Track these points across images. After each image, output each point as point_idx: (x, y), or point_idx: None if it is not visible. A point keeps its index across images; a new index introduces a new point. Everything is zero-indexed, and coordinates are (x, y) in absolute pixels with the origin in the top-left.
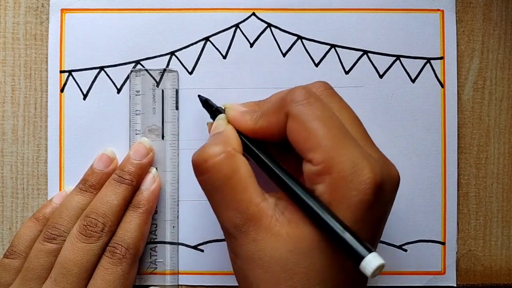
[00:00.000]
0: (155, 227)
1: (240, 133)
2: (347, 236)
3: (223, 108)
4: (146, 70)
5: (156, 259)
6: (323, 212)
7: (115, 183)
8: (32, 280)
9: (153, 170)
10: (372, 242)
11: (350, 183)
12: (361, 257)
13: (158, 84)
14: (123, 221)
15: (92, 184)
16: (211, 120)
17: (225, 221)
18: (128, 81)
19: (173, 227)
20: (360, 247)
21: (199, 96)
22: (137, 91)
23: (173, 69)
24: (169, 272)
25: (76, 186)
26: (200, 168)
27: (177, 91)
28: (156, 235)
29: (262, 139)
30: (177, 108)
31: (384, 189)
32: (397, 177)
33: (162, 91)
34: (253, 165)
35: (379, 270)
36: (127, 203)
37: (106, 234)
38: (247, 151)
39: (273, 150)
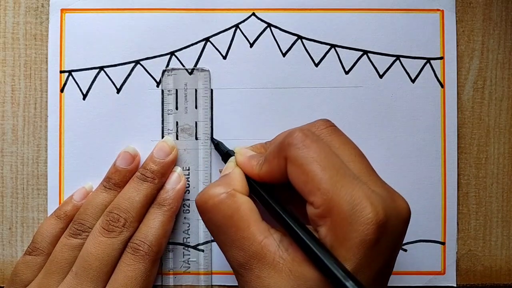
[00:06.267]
0: (188, 227)
1: (247, 176)
2: (350, 284)
3: (233, 151)
4: (181, 68)
5: (189, 258)
6: (326, 257)
7: (137, 180)
8: (55, 273)
9: (178, 169)
10: (380, 276)
11: (350, 225)
12: None
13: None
14: (146, 218)
15: (116, 182)
16: (223, 165)
17: (230, 259)
18: (128, 80)
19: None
20: None
21: (211, 139)
22: (169, 90)
23: (205, 68)
24: (202, 272)
25: (100, 183)
26: (202, 208)
27: (212, 91)
28: (188, 235)
29: (269, 182)
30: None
31: (389, 226)
32: (405, 211)
33: (196, 90)
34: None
35: None
36: (150, 201)
37: (127, 230)
38: (254, 193)
39: (282, 190)
